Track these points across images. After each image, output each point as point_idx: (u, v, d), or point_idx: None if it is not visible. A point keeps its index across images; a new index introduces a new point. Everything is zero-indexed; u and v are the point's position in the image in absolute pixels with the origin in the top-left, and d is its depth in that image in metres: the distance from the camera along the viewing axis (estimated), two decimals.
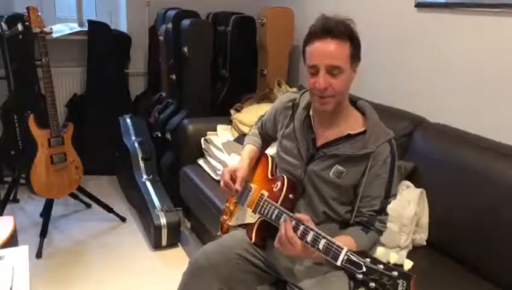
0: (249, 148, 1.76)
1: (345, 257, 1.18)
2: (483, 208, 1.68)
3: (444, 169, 1.85)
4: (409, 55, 2.32)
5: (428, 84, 2.22)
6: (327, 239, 1.24)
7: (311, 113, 1.53)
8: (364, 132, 1.43)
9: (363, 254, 1.17)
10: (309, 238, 1.28)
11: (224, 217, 1.74)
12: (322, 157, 1.46)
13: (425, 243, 1.87)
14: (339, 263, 1.19)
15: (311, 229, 1.28)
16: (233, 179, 1.59)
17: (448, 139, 1.92)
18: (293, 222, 1.34)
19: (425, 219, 1.87)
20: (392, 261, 1.12)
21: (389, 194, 1.44)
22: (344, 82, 1.37)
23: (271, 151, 1.83)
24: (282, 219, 1.38)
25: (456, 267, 1.75)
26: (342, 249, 1.20)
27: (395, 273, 1.09)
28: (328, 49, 1.34)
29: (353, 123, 1.46)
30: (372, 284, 1.10)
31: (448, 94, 2.13)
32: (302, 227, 1.31)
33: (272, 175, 1.64)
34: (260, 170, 1.71)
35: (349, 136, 1.44)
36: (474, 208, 1.71)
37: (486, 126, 1.91)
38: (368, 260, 1.14)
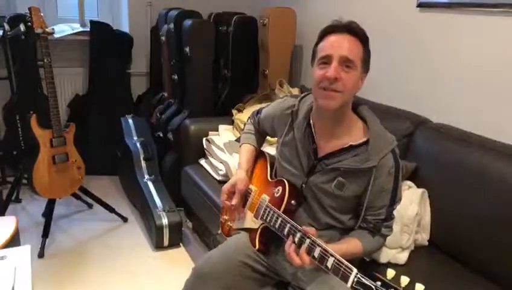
0: (246, 149, 1.73)
1: (355, 279, 1.15)
2: (485, 208, 1.67)
3: (446, 169, 1.85)
4: (411, 55, 2.31)
5: (431, 84, 2.22)
6: (335, 257, 1.22)
7: (311, 122, 1.48)
8: (366, 142, 1.39)
9: (374, 276, 1.14)
10: (316, 253, 1.26)
11: (225, 217, 1.74)
12: (324, 170, 1.43)
13: (427, 243, 1.86)
14: (349, 284, 1.17)
15: (318, 245, 1.26)
16: (231, 193, 1.59)
17: (450, 139, 1.91)
18: (298, 235, 1.32)
19: (427, 219, 1.86)
20: (403, 284, 1.10)
21: (394, 202, 1.42)
22: (353, 81, 1.34)
23: (269, 150, 1.82)
24: (286, 230, 1.37)
25: (458, 267, 1.74)
26: (352, 270, 1.17)
27: None
28: (345, 43, 1.33)
29: (355, 132, 1.42)
30: None
31: (450, 94, 2.12)
32: (308, 241, 1.29)
33: (271, 177, 1.62)
34: (259, 170, 1.69)
35: (351, 147, 1.40)
36: (476, 208, 1.70)
37: (489, 126, 1.91)
38: (379, 283, 1.11)
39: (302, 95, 1.57)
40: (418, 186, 1.90)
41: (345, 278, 1.18)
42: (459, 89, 2.08)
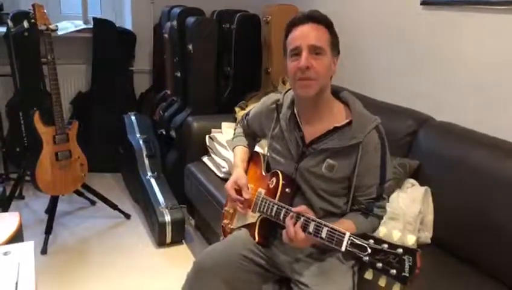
0: (240, 150, 1.78)
1: (349, 241, 1.20)
2: (488, 206, 1.67)
3: (449, 167, 1.85)
4: (414, 53, 2.31)
5: (434, 82, 2.21)
6: (328, 227, 1.26)
7: (295, 111, 1.53)
8: (350, 123, 1.43)
9: (365, 236, 1.18)
10: (311, 228, 1.30)
11: (225, 221, 1.75)
12: (312, 154, 1.47)
13: (430, 242, 1.86)
14: (343, 248, 1.21)
15: (312, 220, 1.31)
16: (237, 189, 1.61)
17: (453, 137, 1.91)
18: (293, 216, 1.35)
19: (430, 217, 1.86)
20: (395, 239, 1.13)
21: (384, 180, 1.45)
22: (325, 66, 1.38)
23: (261, 150, 1.83)
24: (282, 215, 1.40)
25: (460, 265, 1.74)
26: (345, 234, 1.22)
27: (400, 250, 1.10)
28: (310, 32, 1.38)
29: (338, 115, 1.47)
30: (379, 265, 1.12)
31: (453, 92, 2.12)
32: (302, 219, 1.33)
33: (265, 173, 1.65)
34: (253, 169, 1.72)
35: (336, 129, 1.44)
36: (479, 206, 1.70)
37: (492, 125, 1.90)
38: (372, 241, 1.16)
39: (286, 89, 1.61)
40: (421, 185, 1.90)
41: (339, 243, 1.22)
42: (462, 87, 2.07)
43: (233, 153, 1.81)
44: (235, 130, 1.90)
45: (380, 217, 1.48)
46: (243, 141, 1.81)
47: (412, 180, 1.92)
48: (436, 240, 1.86)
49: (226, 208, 1.76)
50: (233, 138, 1.88)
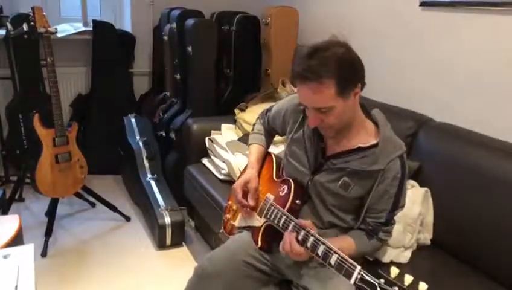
0: (256, 149, 1.72)
1: (359, 276, 1.16)
2: (487, 207, 1.67)
3: (449, 168, 1.85)
4: (414, 54, 2.31)
5: (434, 83, 2.22)
6: (339, 255, 1.23)
7: None
8: (375, 145, 1.38)
9: (377, 274, 1.15)
10: (320, 251, 1.27)
11: (228, 215, 1.73)
12: (330, 169, 1.43)
13: (429, 243, 1.86)
14: (352, 281, 1.17)
15: (322, 243, 1.27)
16: (245, 191, 1.58)
17: (453, 138, 1.91)
18: (302, 233, 1.32)
19: (429, 219, 1.86)
20: (406, 283, 1.10)
21: (396, 207, 1.42)
22: (337, 115, 1.31)
23: (276, 150, 1.81)
24: (290, 228, 1.37)
25: (460, 266, 1.74)
26: (355, 267, 1.18)
27: None
28: (310, 95, 1.29)
29: (365, 135, 1.42)
30: None
31: (453, 93, 2.12)
32: (311, 239, 1.29)
33: (277, 177, 1.62)
34: (265, 170, 1.69)
35: (360, 149, 1.40)
36: (479, 207, 1.70)
37: (492, 126, 1.90)
38: (382, 281, 1.12)
39: None
40: (421, 186, 1.90)
41: (349, 275, 1.18)
42: (462, 88, 2.07)
43: (249, 150, 1.75)
44: (254, 125, 1.83)
45: (383, 242, 1.46)
46: (260, 140, 1.74)
47: (412, 182, 1.92)
48: (436, 241, 1.86)
49: (229, 202, 1.74)
50: (251, 133, 1.81)
